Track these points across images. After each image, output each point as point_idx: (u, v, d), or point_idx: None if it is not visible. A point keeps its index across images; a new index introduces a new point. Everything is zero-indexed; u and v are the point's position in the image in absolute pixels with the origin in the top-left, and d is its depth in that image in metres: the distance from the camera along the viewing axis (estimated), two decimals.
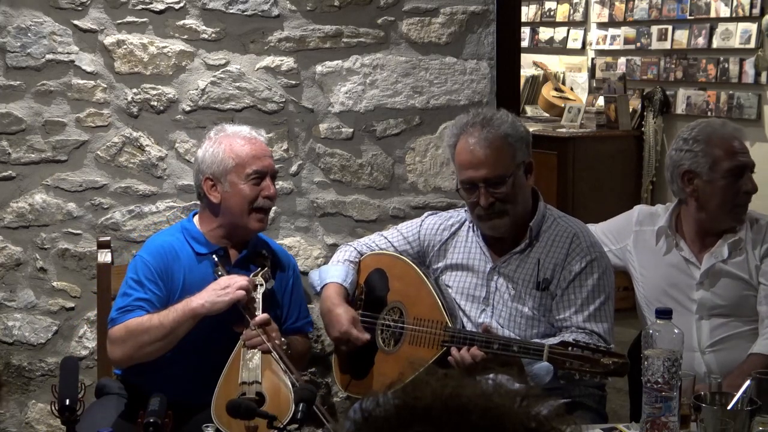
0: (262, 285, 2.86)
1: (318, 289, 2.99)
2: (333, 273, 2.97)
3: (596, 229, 3.14)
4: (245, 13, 3.52)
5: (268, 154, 2.96)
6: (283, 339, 2.86)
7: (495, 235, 2.84)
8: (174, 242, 2.94)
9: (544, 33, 7.87)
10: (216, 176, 2.90)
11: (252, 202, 2.88)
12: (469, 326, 2.80)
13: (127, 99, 3.50)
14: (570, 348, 2.43)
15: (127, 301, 2.84)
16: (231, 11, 3.51)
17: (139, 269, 2.88)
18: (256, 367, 2.71)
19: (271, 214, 3.59)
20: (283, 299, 3.02)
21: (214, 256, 2.92)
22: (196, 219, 3.01)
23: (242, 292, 2.77)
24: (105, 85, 3.49)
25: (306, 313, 3.12)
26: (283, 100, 3.58)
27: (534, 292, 2.78)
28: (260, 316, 2.80)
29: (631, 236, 3.08)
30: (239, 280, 2.80)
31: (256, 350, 2.75)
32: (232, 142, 2.93)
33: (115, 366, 2.99)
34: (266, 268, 2.91)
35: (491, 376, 1.06)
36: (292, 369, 2.74)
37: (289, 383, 2.70)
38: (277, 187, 3.57)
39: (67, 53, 3.46)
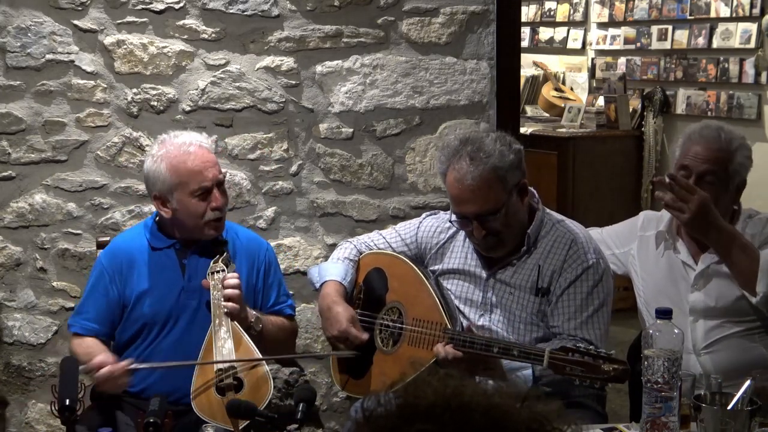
0: (223, 270, 2.85)
1: (317, 286, 2.98)
2: (332, 270, 2.96)
3: (601, 232, 3.13)
4: (245, 13, 3.52)
5: (210, 164, 2.88)
6: (253, 312, 2.88)
7: (496, 255, 2.84)
8: (132, 240, 2.98)
9: (544, 33, 7.87)
10: (163, 194, 2.87)
11: (202, 216, 2.86)
12: None
13: (127, 99, 3.50)
14: (571, 354, 2.42)
15: (78, 311, 2.96)
16: (231, 11, 3.51)
17: (96, 273, 2.97)
18: (229, 352, 2.72)
19: (271, 214, 3.59)
20: (257, 284, 3.02)
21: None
22: (158, 218, 3.01)
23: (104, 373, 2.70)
24: (105, 85, 3.49)
25: (285, 297, 3.11)
26: (283, 100, 3.58)
27: (531, 297, 2.76)
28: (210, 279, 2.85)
29: (636, 241, 3.06)
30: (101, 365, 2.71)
31: (225, 333, 2.75)
32: (171, 158, 2.85)
33: None
34: (225, 254, 2.90)
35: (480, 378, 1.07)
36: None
37: (265, 363, 2.73)
38: (277, 186, 3.60)
39: (67, 53, 3.46)
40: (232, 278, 2.82)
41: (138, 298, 2.90)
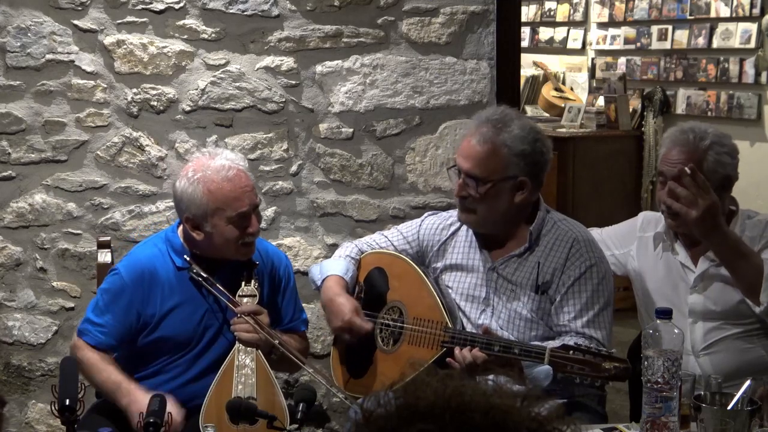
0: (254, 296, 2.82)
1: (318, 282, 2.98)
2: (333, 267, 2.97)
3: (600, 233, 3.12)
4: (245, 13, 3.52)
5: (248, 189, 2.80)
6: (276, 334, 2.84)
7: (468, 227, 2.88)
8: (155, 256, 2.86)
9: (544, 33, 7.87)
10: (197, 218, 2.78)
11: (236, 241, 2.79)
12: (468, 327, 2.79)
13: (127, 99, 3.50)
14: (571, 351, 2.42)
15: (93, 321, 2.83)
16: (231, 11, 3.51)
17: (114, 289, 2.83)
18: (252, 384, 2.67)
19: (271, 214, 3.59)
20: (275, 300, 2.98)
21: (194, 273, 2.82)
22: (180, 230, 2.90)
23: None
24: (105, 85, 3.49)
25: (300, 312, 3.08)
26: (283, 100, 3.58)
27: (532, 294, 2.77)
28: (248, 306, 2.78)
29: (635, 242, 3.06)
30: None
31: (251, 362, 2.71)
32: (209, 183, 2.76)
33: None
34: (255, 281, 2.85)
35: (492, 377, 1.07)
36: (295, 354, 2.76)
37: (284, 399, 2.69)
38: (277, 186, 3.60)
39: (67, 53, 3.46)
40: (262, 314, 2.79)
41: (161, 318, 2.82)
